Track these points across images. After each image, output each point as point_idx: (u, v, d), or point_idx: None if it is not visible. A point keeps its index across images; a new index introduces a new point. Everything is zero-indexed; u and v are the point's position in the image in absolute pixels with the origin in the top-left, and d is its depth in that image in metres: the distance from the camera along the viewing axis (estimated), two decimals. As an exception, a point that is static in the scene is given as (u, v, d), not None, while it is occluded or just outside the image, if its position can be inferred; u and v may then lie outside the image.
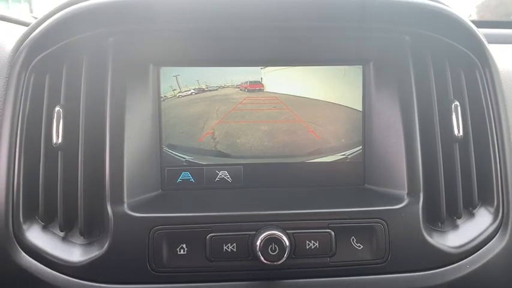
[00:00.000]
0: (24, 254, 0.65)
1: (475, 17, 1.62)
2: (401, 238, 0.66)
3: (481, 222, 0.71)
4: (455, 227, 0.71)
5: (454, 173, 0.70)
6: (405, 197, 0.68)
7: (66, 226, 0.67)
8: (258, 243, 0.62)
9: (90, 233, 0.67)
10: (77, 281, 0.64)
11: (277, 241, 0.63)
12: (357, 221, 0.66)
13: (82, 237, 0.67)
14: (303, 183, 0.74)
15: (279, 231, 0.63)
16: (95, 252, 0.64)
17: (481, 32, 0.73)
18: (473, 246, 0.69)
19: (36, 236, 0.66)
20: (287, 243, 0.63)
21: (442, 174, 0.69)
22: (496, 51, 0.76)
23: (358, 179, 0.74)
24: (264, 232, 0.63)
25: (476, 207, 0.72)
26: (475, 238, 0.69)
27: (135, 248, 0.64)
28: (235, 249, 0.64)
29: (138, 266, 0.64)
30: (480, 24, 0.93)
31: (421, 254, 0.67)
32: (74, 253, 0.65)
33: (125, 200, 0.65)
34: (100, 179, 0.66)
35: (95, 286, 0.64)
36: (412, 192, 0.68)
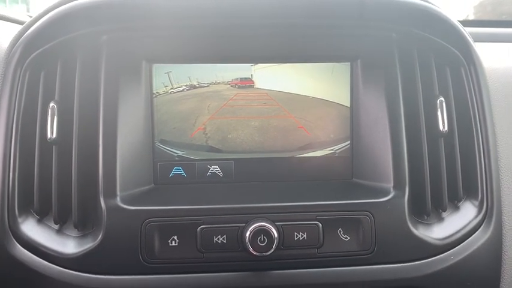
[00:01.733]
0: (19, 246, 0.66)
1: (472, 17, 1.64)
2: (387, 230, 0.68)
3: (465, 214, 0.73)
4: (440, 219, 0.73)
5: (439, 167, 0.72)
6: (391, 190, 0.70)
7: (61, 219, 0.69)
8: (247, 234, 0.64)
9: (84, 225, 0.69)
10: (71, 272, 0.65)
11: (266, 233, 0.64)
12: (344, 213, 0.68)
13: (76, 229, 0.68)
14: (292, 178, 0.75)
15: (267, 223, 0.65)
16: (88, 244, 0.66)
17: (467, 31, 0.75)
18: (458, 238, 0.71)
19: (31, 228, 0.68)
20: (276, 235, 0.64)
21: (427, 168, 0.71)
22: (482, 49, 0.78)
23: (346, 173, 0.76)
24: (253, 224, 0.65)
25: (461, 200, 0.74)
26: (459, 230, 0.71)
27: (127, 240, 0.65)
28: (225, 241, 0.66)
29: (131, 257, 0.65)
30: (468, 23, 0.95)
31: (407, 246, 0.68)
32: (68, 245, 0.67)
33: (118, 193, 0.67)
34: (93, 173, 0.68)
35: (89, 277, 0.65)
36: (398, 186, 0.70)
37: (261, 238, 0.64)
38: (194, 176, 0.74)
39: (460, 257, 0.70)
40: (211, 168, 0.75)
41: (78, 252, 0.66)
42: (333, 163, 0.76)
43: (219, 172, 0.75)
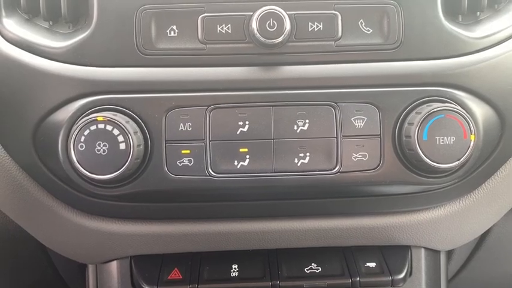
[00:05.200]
0: (8, 43, 0.61)
1: None
2: (417, 22, 0.60)
3: (506, 17, 0.63)
4: (477, 21, 0.64)
5: None
6: None
7: (50, 17, 0.62)
8: (255, 17, 0.56)
9: (77, 22, 0.63)
10: (62, 65, 0.59)
11: (276, 17, 0.56)
12: (366, 1, 0.59)
13: (68, 27, 0.62)
14: None
15: (278, 8, 0.57)
16: (80, 36, 0.60)
17: None
18: (496, 39, 0.62)
19: (19, 27, 0.62)
20: (287, 21, 0.57)
21: None
22: None
23: None
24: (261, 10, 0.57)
25: (501, 2, 0.64)
26: (498, 32, 0.62)
27: (121, 29, 0.59)
28: (230, 31, 0.59)
29: (125, 47, 0.59)
30: None
31: (438, 41, 0.60)
32: (60, 40, 0.61)
33: None
34: None
35: (82, 69, 0.59)
36: None
37: (270, 23, 0.57)
38: None
39: (496, 59, 0.61)
40: None
41: (70, 45, 0.60)
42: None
43: None
